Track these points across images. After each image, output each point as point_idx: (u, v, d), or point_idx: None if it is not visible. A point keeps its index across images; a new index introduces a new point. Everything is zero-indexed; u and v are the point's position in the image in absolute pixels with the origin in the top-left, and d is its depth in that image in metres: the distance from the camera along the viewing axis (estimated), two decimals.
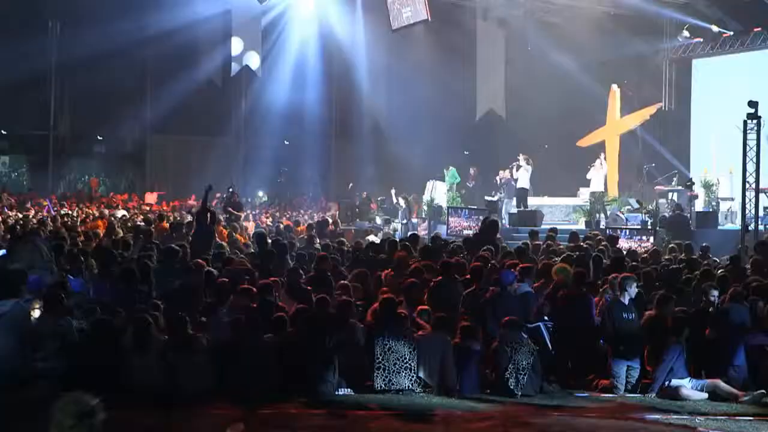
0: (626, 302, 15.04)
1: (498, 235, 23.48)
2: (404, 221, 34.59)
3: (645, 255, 22.05)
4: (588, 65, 41.31)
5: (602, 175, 35.11)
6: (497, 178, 37.08)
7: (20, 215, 32.18)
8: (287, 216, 36.77)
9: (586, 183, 35.30)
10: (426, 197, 36.03)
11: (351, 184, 43.74)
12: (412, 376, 13.81)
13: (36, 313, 14.80)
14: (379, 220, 36.14)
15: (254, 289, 15.54)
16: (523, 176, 34.76)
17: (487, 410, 13.31)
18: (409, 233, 27.40)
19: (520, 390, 13.87)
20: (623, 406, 13.74)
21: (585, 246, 22.42)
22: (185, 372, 13.24)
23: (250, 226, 32.05)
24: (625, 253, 22.06)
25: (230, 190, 32.42)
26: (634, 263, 19.87)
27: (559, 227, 27.82)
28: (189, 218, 30.97)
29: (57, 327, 13.91)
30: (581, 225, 32.74)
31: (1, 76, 40.68)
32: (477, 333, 14.41)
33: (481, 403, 13.64)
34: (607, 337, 15.02)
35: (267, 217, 37.48)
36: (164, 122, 46.66)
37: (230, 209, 31.65)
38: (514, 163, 35.20)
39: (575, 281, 16.05)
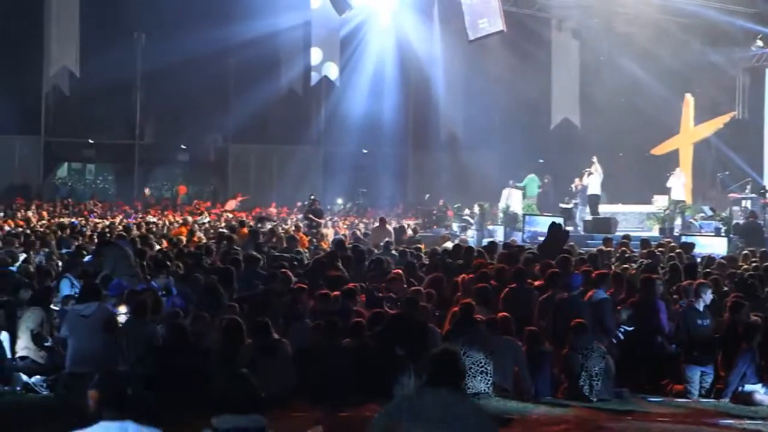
0: (701, 308, 15.07)
1: (571, 243, 23.52)
2: (479, 228, 34.73)
3: (722, 261, 21.99)
4: (661, 74, 41.12)
5: (681, 183, 35.10)
6: (572, 185, 37.09)
7: (107, 222, 32.79)
8: (365, 223, 37.03)
9: (661, 190, 35.28)
10: (502, 204, 36.11)
11: (428, 195, 43.94)
12: (488, 380, 13.96)
13: (121, 318, 15.26)
14: (455, 227, 36.26)
15: (334, 294, 15.86)
16: (594, 181, 34.81)
17: (563, 414, 13.33)
18: (485, 240, 27.54)
19: (595, 396, 13.93)
20: (697, 411, 13.70)
21: (657, 253, 22.46)
22: (268, 376, 13.52)
23: (330, 233, 32.38)
24: (699, 260, 22.03)
25: (312, 197, 32.77)
26: (707, 270, 19.91)
27: (632, 234, 27.87)
28: (269, 225, 31.46)
29: (142, 331, 14.28)
30: (655, 232, 32.71)
31: (88, 86, 41.52)
32: (543, 337, 14.60)
33: (556, 408, 13.68)
34: (681, 343, 15.09)
35: (345, 224, 37.81)
36: (245, 131, 47.15)
37: (311, 216, 32.02)
38: (587, 170, 35.27)
39: (645, 287, 16.13)
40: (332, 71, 46.62)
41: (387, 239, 26.72)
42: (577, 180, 36.65)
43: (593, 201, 34.77)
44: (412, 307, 14.82)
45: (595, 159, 35.09)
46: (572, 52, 45.84)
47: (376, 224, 30.57)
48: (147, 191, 48.86)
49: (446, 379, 7.18)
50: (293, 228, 31.20)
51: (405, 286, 17.34)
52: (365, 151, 48.36)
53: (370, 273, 18.95)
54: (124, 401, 6.67)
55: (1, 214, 33.31)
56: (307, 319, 15.05)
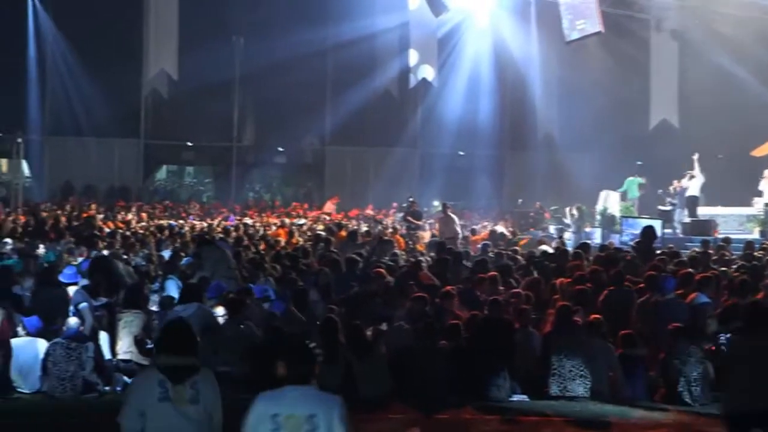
0: None
1: (670, 245, 23.29)
2: (576, 230, 34.51)
3: None
4: (762, 75, 40.61)
5: None
6: (671, 187, 36.68)
7: (205, 224, 33.11)
8: (461, 225, 36.96)
9: (760, 193, 34.78)
10: (599, 207, 35.84)
11: (521, 200, 43.75)
12: (587, 384, 13.92)
13: (220, 319, 15.40)
14: (552, 230, 36.08)
15: (428, 296, 15.88)
16: (693, 183, 34.44)
17: (661, 418, 13.29)
18: (581, 242, 27.40)
19: (695, 402, 13.79)
20: None
21: (759, 256, 22.15)
22: (364, 377, 13.56)
23: (426, 235, 32.36)
24: None
25: (410, 199, 32.79)
26: None
27: (732, 236, 27.53)
28: (366, 227, 31.56)
29: (240, 332, 14.43)
30: (755, 235, 32.26)
31: (186, 89, 41.98)
32: (637, 340, 14.47)
33: (654, 412, 13.62)
34: None
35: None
36: (342, 132, 47.27)
37: (409, 218, 32.06)
38: (688, 172, 34.89)
39: (741, 290, 15.90)
40: (429, 73, 46.63)
41: (455, 230, 26.83)
42: (675, 182, 36.24)
43: (692, 203, 34.37)
44: (500, 309, 14.81)
45: (695, 157, 34.65)
46: (671, 52, 45.40)
47: (439, 213, 30.43)
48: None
49: None
50: (390, 230, 31.24)
51: (501, 288, 17.33)
52: (461, 152, 48.27)
53: (467, 275, 18.91)
54: (308, 370, 7.97)
55: (102, 216, 33.74)
56: (402, 321, 15.08)
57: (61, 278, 15.98)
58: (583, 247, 22.98)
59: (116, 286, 17.14)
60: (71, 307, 15.37)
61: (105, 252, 21.84)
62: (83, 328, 14.83)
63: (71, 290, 16.10)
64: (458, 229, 29.40)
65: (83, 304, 15.33)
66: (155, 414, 7.73)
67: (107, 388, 14.52)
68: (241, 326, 14.45)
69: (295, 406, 7.64)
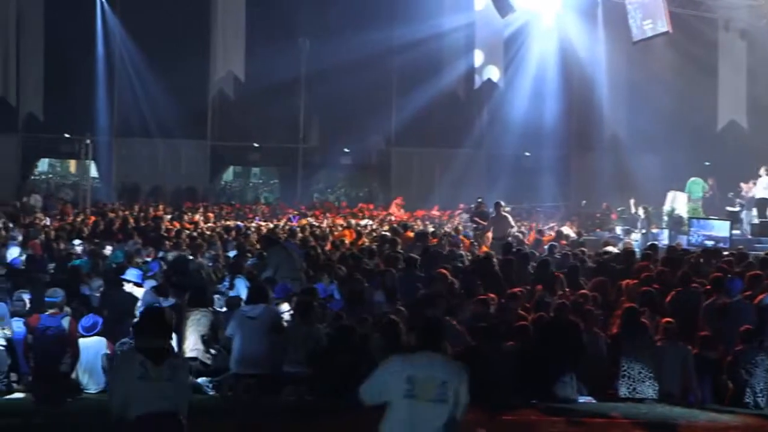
0: None
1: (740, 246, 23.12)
2: (644, 231, 34.28)
3: None
4: None
5: None
6: (740, 189, 36.35)
7: (271, 225, 33.24)
8: (527, 226, 36.80)
9: None
10: (666, 207, 35.57)
11: (584, 201, 43.54)
12: (656, 386, 13.85)
13: (286, 318, 15.46)
14: (619, 230, 35.87)
15: (493, 297, 15.88)
16: (761, 185, 34.09)
17: (729, 421, 13.22)
18: (650, 243, 27.20)
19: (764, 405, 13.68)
20: None
21: None
22: None
23: (489, 236, 32.27)
24: None
25: (478, 200, 32.70)
26: None
27: None
28: (432, 228, 31.56)
29: (307, 333, 14.47)
30: None
31: (253, 90, 42.18)
32: (715, 343, 14.36)
33: (723, 414, 13.54)
34: None
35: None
36: (407, 133, 47.20)
37: (477, 219, 31.98)
38: (759, 179, 34.57)
39: None
40: (494, 73, 46.50)
41: (507, 230, 26.75)
42: (743, 184, 35.91)
43: (761, 205, 34.03)
44: (567, 311, 14.75)
45: (763, 171, 34.24)
46: (739, 52, 44.93)
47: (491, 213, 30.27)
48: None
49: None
50: (454, 231, 31.19)
51: (567, 289, 17.27)
52: (527, 153, 48.10)
53: (533, 276, 18.87)
54: (437, 339, 8.72)
55: (169, 216, 34.00)
56: (461, 322, 15.06)
57: (128, 278, 16.10)
58: (652, 248, 22.86)
59: (183, 286, 17.31)
60: (141, 308, 15.50)
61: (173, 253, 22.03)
62: None
63: (136, 291, 16.23)
64: (511, 229, 29.33)
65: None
66: (136, 391, 8.73)
67: None
68: (309, 327, 14.51)
69: (430, 371, 8.24)
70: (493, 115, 47.60)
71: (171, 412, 8.93)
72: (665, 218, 35.41)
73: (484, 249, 27.14)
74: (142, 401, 8.74)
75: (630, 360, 13.85)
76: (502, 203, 30.23)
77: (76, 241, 23.55)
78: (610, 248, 25.43)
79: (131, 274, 16.18)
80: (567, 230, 31.63)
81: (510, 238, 27.09)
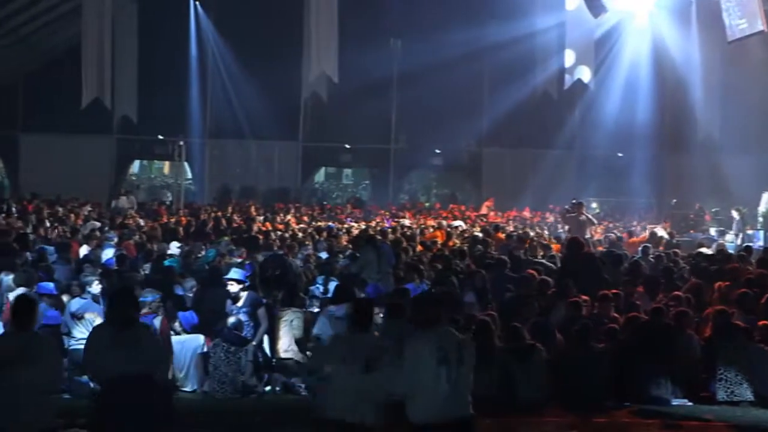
0: None
1: None
2: (738, 233, 33.87)
3: None
4: None
5: None
6: None
7: (363, 225, 33.35)
8: (620, 227, 36.52)
9: None
10: (761, 209, 35.11)
11: (675, 201, 43.07)
12: (754, 389, 13.71)
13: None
14: (713, 232, 35.47)
15: (586, 299, 15.79)
16: None
17: None
18: (745, 245, 26.87)
19: None
20: None
21: None
22: (523, 380, 13.51)
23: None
24: None
25: (573, 201, 32.52)
26: None
27: None
28: (522, 229, 31.43)
29: (396, 333, 14.50)
30: None
31: (344, 92, 42.29)
32: None
33: None
34: None
35: (601, 228, 37.31)
36: (498, 133, 47.02)
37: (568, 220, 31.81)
38: None
39: None
40: (585, 74, 46.14)
41: (585, 231, 26.52)
42: None
43: None
44: (661, 313, 14.63)
45: None
46: None
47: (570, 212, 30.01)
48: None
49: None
50: (546, 232, 31.08)
51: (661, 291, 17.13)
52: (620, 154, 47.66)
53: (626, 278, 18.72)
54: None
55: (261, 217, 34.22)
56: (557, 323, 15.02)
57: (233, 276, 16.19)
58: (746, 249, 22.59)
59: (274, 287, 17.44)
60: (243, 308, 15.59)
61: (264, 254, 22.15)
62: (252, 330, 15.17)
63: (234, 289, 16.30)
64: (591, 231, 29.17)
65: (260, 310, 15.59)
66: (107, 356, 9.73)
67: (267, 389, 14.76)
68: (399, 328, 14.49)
69: (451, 340, 9.70)
70: (585, 115, 47.26)
71: (143, 374, 9.78)
72: (760, 219, 34.96)
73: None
74: (112, 366, 9.68)
75: (725, 363, 13.73)
76: (584, 204, 30.01)
77: (174, 243, 23.77)
78: (704, 250, 25.17)
79: (235, 272, 16.25)
80: (660, 232, 31.29)
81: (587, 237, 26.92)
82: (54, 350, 10.23)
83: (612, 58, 45.89)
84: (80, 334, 14.90)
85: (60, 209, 33.06)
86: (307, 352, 15.18)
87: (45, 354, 9.56)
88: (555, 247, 25.33)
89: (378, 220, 36.38)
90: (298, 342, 15.32)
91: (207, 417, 13.66)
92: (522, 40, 43.51)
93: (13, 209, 32.61)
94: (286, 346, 15.29)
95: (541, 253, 23.06)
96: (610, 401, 13.59)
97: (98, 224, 28.68)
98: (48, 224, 28.32)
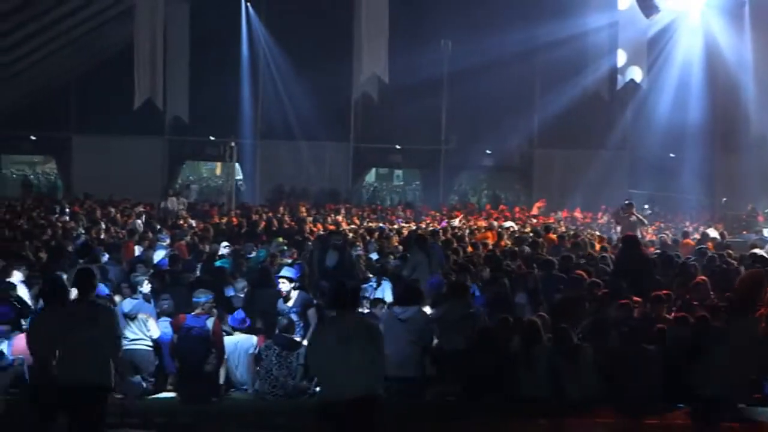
0: None
1: None
2: None
3: None
4: None
5: None
6: None
7: (414, 226, 33.36)
8: (672, 228, 36.30)
9: None
10: None
11: (725, 199, 42.76)
12: None
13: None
14: (766, 233, 35.18)
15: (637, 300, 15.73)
16: None
17: None
18: None
19: None
20: None
21: None
22: (571, 381, 13.48)
23: None
24: None
25: (626, 202, 32.37)
26: None
27: None
28: (572, 230, 31.32)
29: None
30: None
31: (395, 92, 42.35)
32: None
33: None
34: None
35: (653, 229, 37.11)
36: (550, 134, 46.90)
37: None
38: None
39: None
40: (637, 74, 45.86)
41: (639, 229, 26.36)
42: None
43: None
44: (717, 314, 14.56)
45: None
46: None
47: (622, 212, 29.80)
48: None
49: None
50: (597, 234, 30.96)
51: (711, 293, 17.01)
52: (672, 154, 47.35)
53: (678, 278, 18.60)
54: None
55: (312, 218, 34.27)
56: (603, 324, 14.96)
57: (285, 274, 16.25)
58: None
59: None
60: (294, 308, 15.66)
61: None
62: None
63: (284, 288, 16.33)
64: (642, 231, 29.00)
65: (311, 310, 15.66)
66: (65, 336, 10.77)
67: (317, 389, 14.79)
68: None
69: (359, 324, 10.60)
70: (636, 115, 47.02)
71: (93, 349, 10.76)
72: None
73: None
74: (70, 345, 10.75)
75: None
76: (634, 205, 29.86)
77: (224, 243, 23.86)
78: (756, 251, 24.97)
79: (287, 270, 16.33)
80: (713, 232, 31.08)
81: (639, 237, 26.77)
82: (111, 317, 11.38)
83: (664, 58, 45.65)
84: (132, 334, 15.04)
85: (112, 210, 33.29)
86: None
87: (102, 319, 10.94)
88: (597, 245, 25.26)
89: (428, 221, 36.31)
90: None
91: (257, 417, 13.72)
92: (573, 40, 43.39)
93: (66, 210, 32.89)
94: None
95: (594, 254, 22.96)
96: (662, 403, 13.51)
97: (140, 222, 29.00)
98: (103, 225, 28.51)
